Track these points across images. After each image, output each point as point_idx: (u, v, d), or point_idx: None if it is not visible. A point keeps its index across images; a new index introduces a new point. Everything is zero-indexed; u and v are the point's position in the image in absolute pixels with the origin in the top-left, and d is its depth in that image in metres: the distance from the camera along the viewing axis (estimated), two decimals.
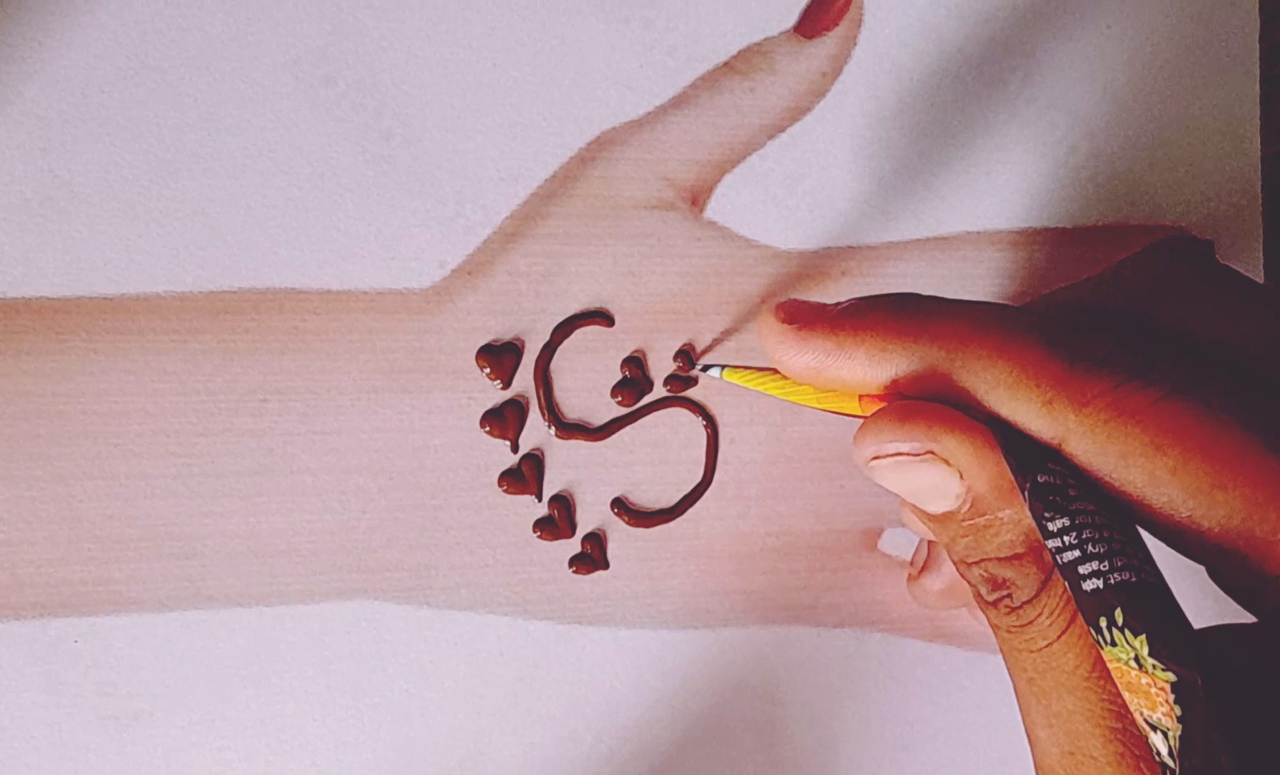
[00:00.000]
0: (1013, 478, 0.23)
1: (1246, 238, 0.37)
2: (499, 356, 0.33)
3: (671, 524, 0.34)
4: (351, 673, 0.33)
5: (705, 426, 0.35)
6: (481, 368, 0.33)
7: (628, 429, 0.34)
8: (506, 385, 0.34)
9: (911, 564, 0.35)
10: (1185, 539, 0.22)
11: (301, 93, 0.33)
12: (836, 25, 0.35)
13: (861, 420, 0.25)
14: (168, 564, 0.32)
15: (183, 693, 0.32)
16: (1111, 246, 0.37)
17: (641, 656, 0.34)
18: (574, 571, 0.34)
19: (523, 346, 0.34)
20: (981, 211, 0.36)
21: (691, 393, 0.35)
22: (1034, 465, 0.22)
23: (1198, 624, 0.22)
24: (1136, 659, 0.21)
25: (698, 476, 0.35)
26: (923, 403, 0.24)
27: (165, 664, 0.32)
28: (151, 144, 0.32)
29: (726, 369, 0.30)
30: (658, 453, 0.34)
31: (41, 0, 0.32)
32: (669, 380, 0.34)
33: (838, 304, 0.26)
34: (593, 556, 0.34)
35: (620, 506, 0.34)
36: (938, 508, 0.24)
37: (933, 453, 0.23)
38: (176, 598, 0.32)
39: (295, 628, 0.33)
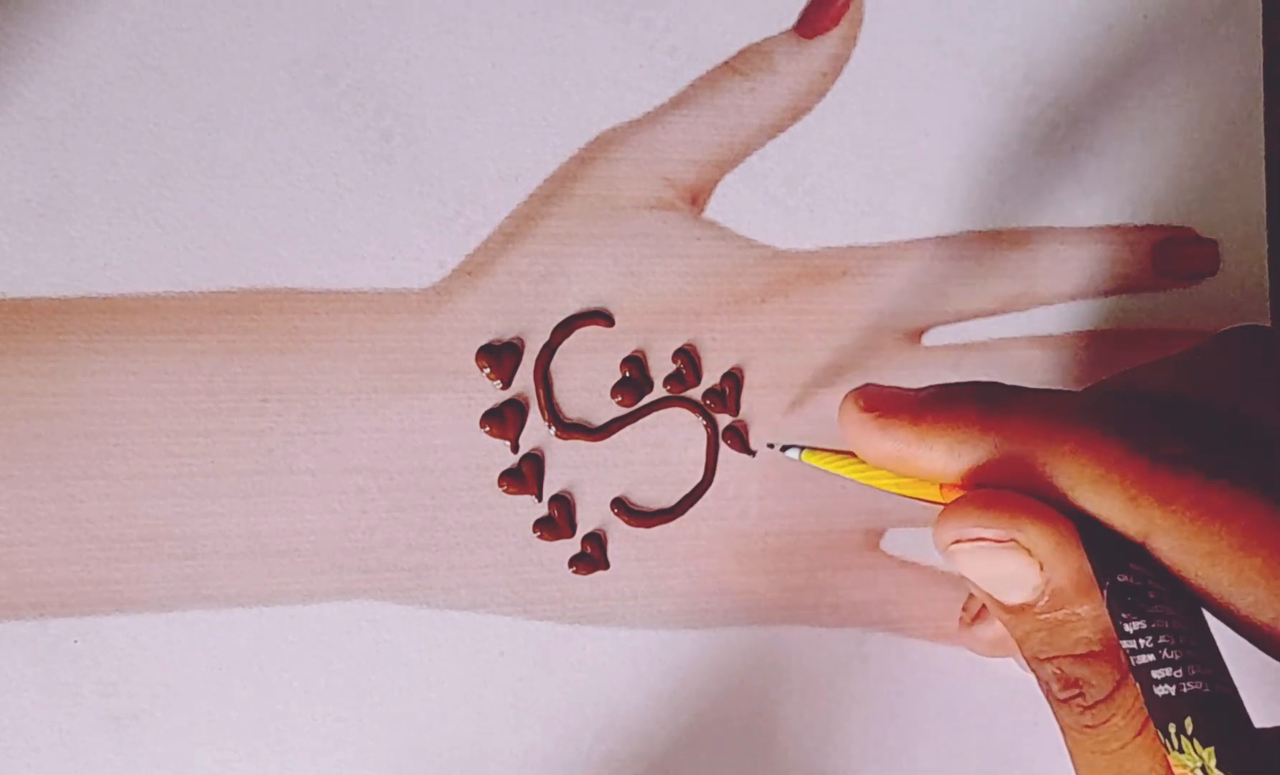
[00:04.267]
0: (1093, 574, 0.22)
1: (1250, 238, 0.37)
2: (499, 356, 0.33)
3: (671, 524, 0.34)
4: (351, 673, 0.33)
5: (705, 426, 0.35)
6: (481, 368, 0.33)
7: (628, 429, 0.34)
8: (506, 385, 0.34)
9: (964, 610, 0.35)
10: (1272, 641, 0.22)
11: (301, 93, 0.33)
12: (836, 25, 0.35)
13: (941, 506, 0.25)
14: (168, 564, 0.32)
15: (183, 693, 0.32)
16: (1113, 247, 0.37)
17: (641, 656, 0.34)
18: (574, 571, 0.34)
19: (523, 346, 0.34)
20: (982, 211, 0.36)
21: (690, 393, 0.35)
22: (1115, 564, 0.22)
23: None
24: (1204, 769, 0.21)
25: (698, 476, 0.35)
26: (1007, 491, 0.24)
27: (165, 664, 0.32)
28: (151, 144, 0.32)
29: (805, 451, 0.30)
30: (658, 453, 0.34)
31: (41, 0, 0.32)
32: (669, 380, 0.34)
33: (919, 391, 0.26)
34: (593, 556, 0.34)
35: (620, 506, 0.34)
36: (1015, 598, 0.24)
37: (1015, 541, 0.23)
38: (176, 598, 0.32)
39: (295, 628, 0.33)
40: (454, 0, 0.34)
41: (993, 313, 0.36)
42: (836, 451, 0.29)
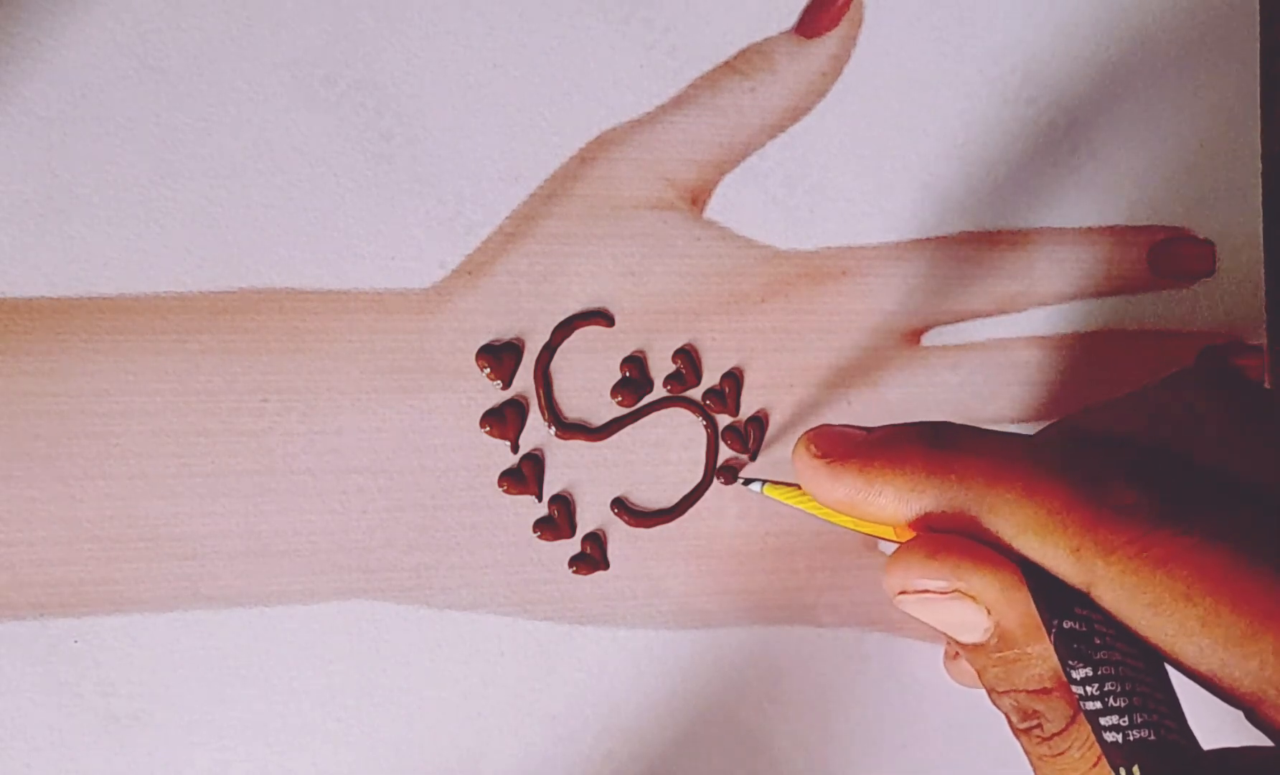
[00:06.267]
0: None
1: (1247, 239, 0.37)
2: (499, 356, 0.33)
3: (671, 524, 0.34)
4: (351, 673, 0.33)
5: (705, 426, 0.35)
6: (481, 368, 0.33)
7: (628, 429, 0.34)
8: (506, 385, 0.34)
9: (948, 644, 0.35)
10: (1218, 689, 0.22)
11: (301, 93, 0.33)
12: (836, 25, 0.35)
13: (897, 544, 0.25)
14: (168, 564, 0.32)
15: (183, 693, 0.32)
16: (1110, 247, 0.37)
17: (641, 656, 0.34)
18: (574, 571, 0.34)
19: (523, 346, 0.34)
20: (981, 211, 0.36)
21: (690, 393, 0.35)
22: (1061, 609, 0.22)
23: (1237, 742, 0.22)
24: None
25: (698, 476, 0.35)
26: (952, 538, 0.24)
27: (165, 664, 0.32)
28: (151, 144, 0.32)
29: (767, 484, 0.30)
30: (658, 453, 0.34)
31: (41, 0, 0.32)
32: (669, 380, 0.34)
33: (870, 432, 0.26)
34: (593, 556, 0.34)
35: (620, 506, 0.34)
36: (966, 639, 0.24)
37: (959, 591, 0.23)
38: (176, 598, 0.32)
39: (295, 628, 0.33)
40: (454, 0, 0.34)
41: (991, 313, 0.36)
42: (798, 487, 0.29)
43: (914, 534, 0.25)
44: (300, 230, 0.33)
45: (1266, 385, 0.37)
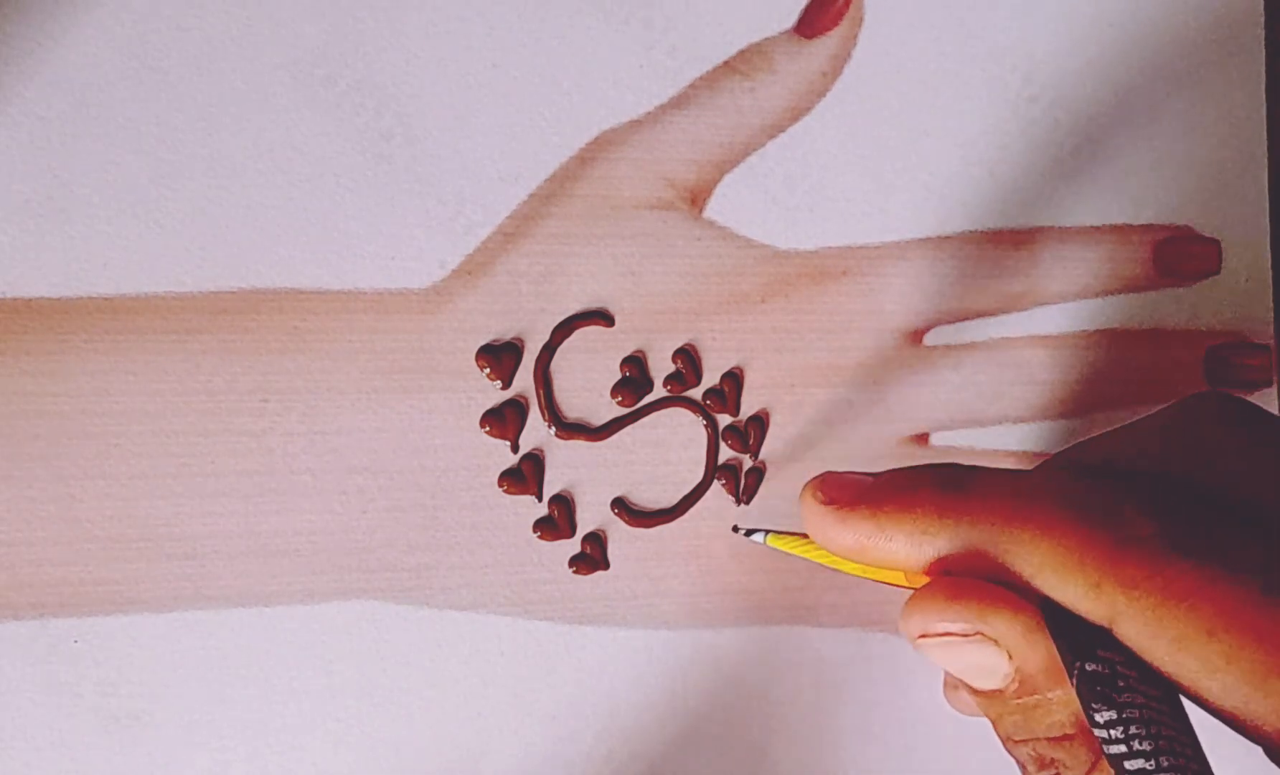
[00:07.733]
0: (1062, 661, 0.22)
1: (1252, 237, 0.37)
2: (499, 356, 0.33)
3: (671, 524, 0.34)
4: (351, 673, 0.33)
5: (705, 426, 0.35)
6: (481, 368, 0.33)
7: (628, 429, 0.34)
8: (506, 385, 0.34)
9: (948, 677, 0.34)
10: (1243, 725, 0.21)
11: (301, 93, 0.33)
12: (836, 25, 0.35)
13: (910, 591, 0.25)
14: (168, 564, 0.32)
15: (183, 693, 0.32)
16: (1114, 246, 0.37)
17: (641, 656, 0.34)
18: (574, 571, 0.34)
19: (523, 346, 0.34)
20: (981, 211, 0.36)
21: (690, 393, 0.35)
22: (1083, 651, 0.22)
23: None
24: None
25: (698, 476, 0.35)
26: (970, 580, 0.23)
27: (165, 664, 0.32)
28: (151, 144, 0.32)
29: (770, 535, 0.29)
30: (658, 453, 0.34)
31: (41, 0, 0.32)
32: (669, 380, 0.34)
33: (877, 477, 0.25)
34: (593, 556, 0.34)
35: (620, 506, 0.34)
36: (986, 685, 0.24)
37: (981, 633, 0.23)
38: (176, 598, 0.32)
39: (295, 628, 0.33)
40: (454, 0, 0.34)
41: (994, 312, 0.36)
42: (803, 536, 0.28)
43: (927, 580, 0.24)
44: (300, 230, 0.33)
45: (1273, 384, 0.37)
